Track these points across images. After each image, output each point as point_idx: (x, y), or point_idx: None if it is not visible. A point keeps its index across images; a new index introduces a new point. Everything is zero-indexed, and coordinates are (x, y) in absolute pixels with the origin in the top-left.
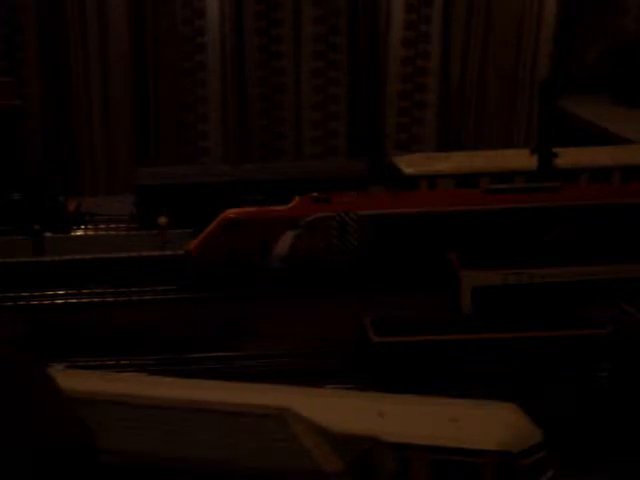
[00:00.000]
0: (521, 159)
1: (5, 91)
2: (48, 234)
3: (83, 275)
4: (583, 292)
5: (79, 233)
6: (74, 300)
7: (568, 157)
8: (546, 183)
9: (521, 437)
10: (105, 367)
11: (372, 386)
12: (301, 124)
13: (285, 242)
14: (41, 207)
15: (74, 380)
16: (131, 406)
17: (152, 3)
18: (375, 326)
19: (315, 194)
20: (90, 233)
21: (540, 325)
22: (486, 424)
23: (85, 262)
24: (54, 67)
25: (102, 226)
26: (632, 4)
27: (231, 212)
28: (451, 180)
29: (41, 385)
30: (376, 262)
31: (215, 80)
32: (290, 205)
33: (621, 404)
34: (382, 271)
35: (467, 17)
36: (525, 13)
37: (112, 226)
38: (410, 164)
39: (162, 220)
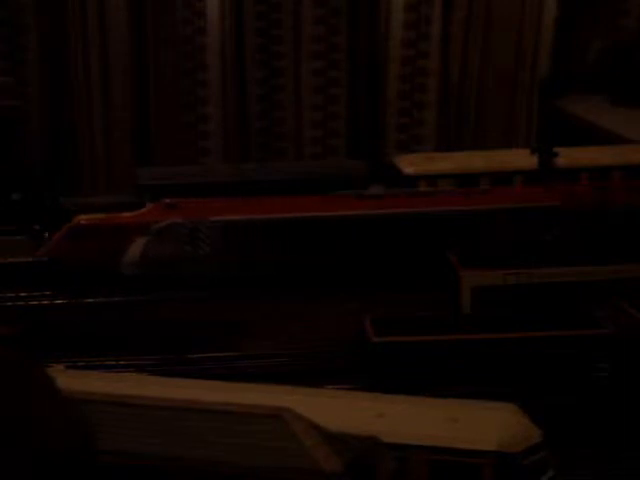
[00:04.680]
0: (521, 159)
1: (5, 91)
2: (48, 234)
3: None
4: (583, 292)
5: None
6: (75, 300)
7: (568, 157)
8: (407, 189)
9: (521, 437)
10: (105, 367)
11: (372, 386)
12: (301, 124)
13: (136, 248)
14: (41, 207)
15: (74, 380)
16: (131, 406)
17: (152, 3)
18: (375, 326)
19: (167, 200)
20: None
21: (540, 325)
22: (486, 424)
23: None
24: (54, 67)
25: None
26: (632, 4)
27: (82, 217)
28: (451, 180)
29: (41, 385)
30: (231, 268)
31: (215, 80)
32: (141, 211)
33: (621, 404)
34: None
35: (467, 17)
36: (525, 13)
37: None
38: (410, 164)
39: None
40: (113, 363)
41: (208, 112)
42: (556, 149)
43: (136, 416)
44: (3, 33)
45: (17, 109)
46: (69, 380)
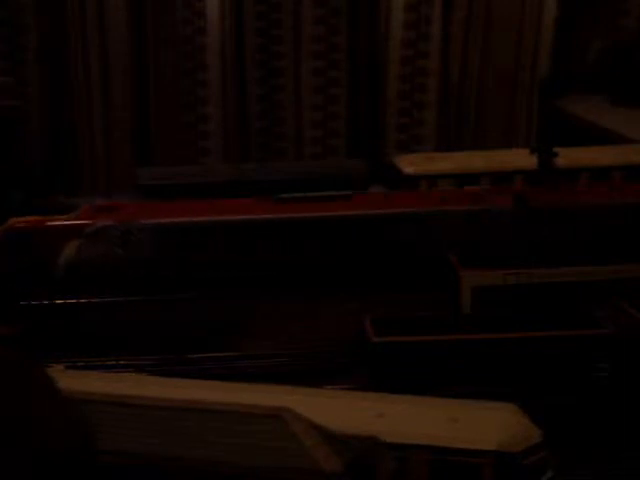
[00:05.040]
0: (521, 159)
1: (5, 91)
2: None
3: None
4: (583, 292)
5: None
6: (74, 300)
7: (568, 157)
8: (339, 192)
9: (521, 437)
10: (105, 367)
11: (372, 386)
12: (301, 124)
13: (69, 251)
14: (41, 207)
15: (74, 380)
16: (131, 406)
17: (152, 3)
18: (375, 326)
19: (101, 203)
20: None
21: (540, 325)
22: (486, 424)
23: None
24: (54, 67)
25: None
26: (632, 4)
27: (17, 220)
28: (451, 180)
29: (41, 385)
30: (166, 270)
31: (215, 80)
32: (74, 214)
33: (621, 404)
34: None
35: (467, 17)
36: (525, 13)
37: None
38: (410, 164)
39: None
40: (113, 363)
41: (208, 112)
42: (556, 149)
43: (136, 416)
44: (3, 33)
45: (17, 109)
46: (69, 380)
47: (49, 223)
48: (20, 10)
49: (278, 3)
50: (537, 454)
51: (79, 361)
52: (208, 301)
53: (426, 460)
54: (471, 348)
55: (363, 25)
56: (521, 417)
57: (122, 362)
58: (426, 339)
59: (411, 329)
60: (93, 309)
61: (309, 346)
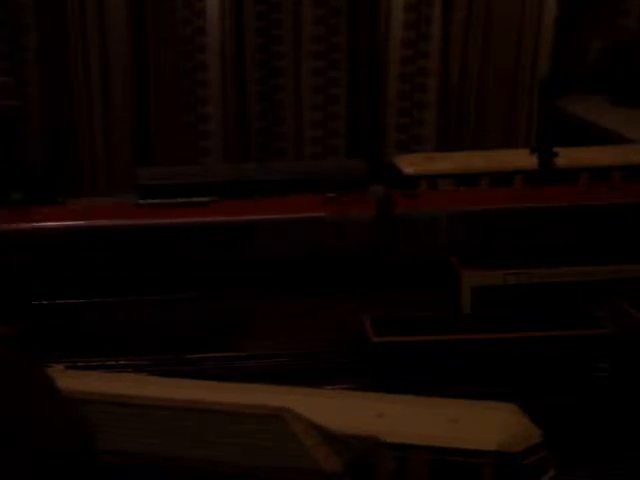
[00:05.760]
0: (521, 159)
1: (5, 91)
2: None
3: None
4: (583, 292)
5: None
6: (74, 300)
7: (568, 157)
8: (196, 199)
9: (521, 437)
10: (105, 367)
11: (372, 386)
12: (301, 124)
13: None
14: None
15: (74, 380)
16: (131, 406)
17: (152, 3)
18: (375, 326)
19: None
20: None
21: (540, 325)
22: (486, 424)
23: None
24: (54, 67)
25: None
26: (632, 4)
27: None
28: (451, 180)
29: (41, 385)
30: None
31: (215, 80)
32: None
33: (621, 404)
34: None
35: (467, 17)
36: (525, 13)
37: None
38: (410, 164)
39: None
40: (113, 363)
41: (208, 112)
42: (556, 149)
43: (136, 416)
44: (3, 33)
45: (17, 109)
46: (69, 380)
47: None
48: (20, 10)
49: (278, 3)
50: (537, 454)
51: (79, 361)
52: (208, 301)
53: (426, 460)
54: (471, 348)
55: (363, 25)
56: (521, 417)
57: (122, 362)
58: (426, 339)
59: (411, 329)
60: (93, 309)
61: (309, 346)
